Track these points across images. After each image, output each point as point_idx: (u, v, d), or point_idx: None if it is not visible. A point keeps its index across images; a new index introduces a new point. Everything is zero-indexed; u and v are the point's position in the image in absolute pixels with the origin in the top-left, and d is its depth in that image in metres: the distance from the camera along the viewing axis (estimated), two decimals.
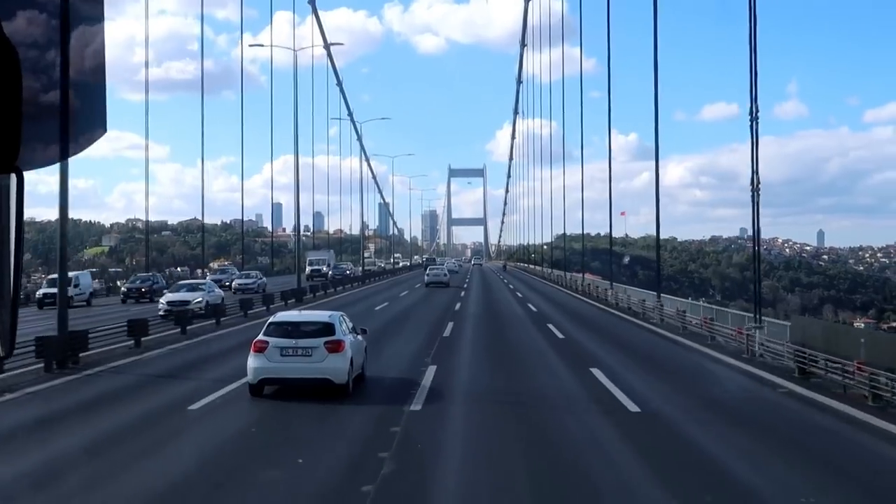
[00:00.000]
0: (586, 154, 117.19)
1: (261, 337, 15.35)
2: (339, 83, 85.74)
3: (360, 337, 17.05)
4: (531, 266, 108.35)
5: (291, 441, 11.93)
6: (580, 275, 63.60)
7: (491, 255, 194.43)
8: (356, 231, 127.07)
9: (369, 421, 13.31)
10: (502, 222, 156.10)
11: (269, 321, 16.07)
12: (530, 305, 42.00)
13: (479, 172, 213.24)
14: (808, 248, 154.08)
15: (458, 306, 40.29)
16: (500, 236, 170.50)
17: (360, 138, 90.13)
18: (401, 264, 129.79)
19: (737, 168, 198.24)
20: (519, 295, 53.41)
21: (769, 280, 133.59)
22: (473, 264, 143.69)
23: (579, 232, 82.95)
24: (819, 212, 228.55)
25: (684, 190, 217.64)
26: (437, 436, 12.23)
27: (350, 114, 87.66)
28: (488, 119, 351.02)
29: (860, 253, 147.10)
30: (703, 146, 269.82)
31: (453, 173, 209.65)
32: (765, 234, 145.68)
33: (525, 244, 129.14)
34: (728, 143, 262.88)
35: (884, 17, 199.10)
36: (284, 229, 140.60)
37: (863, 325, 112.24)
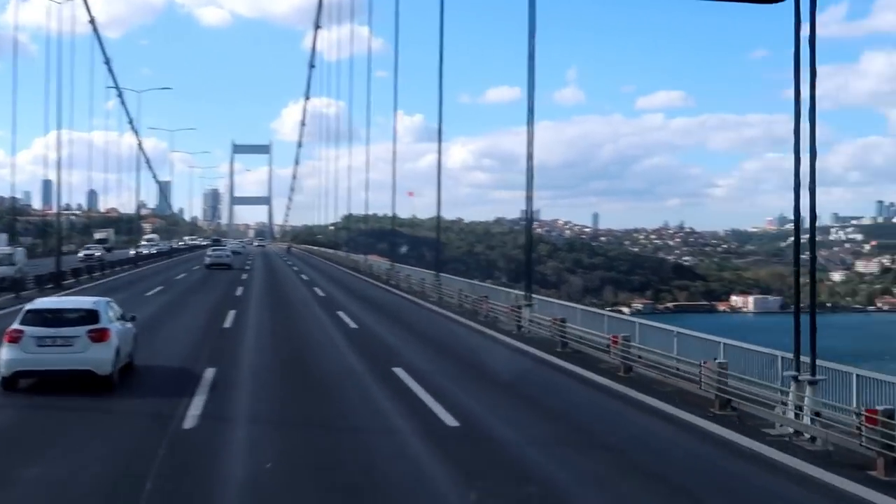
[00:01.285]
0: (372, 134, 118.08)
1: (15, 326, 14.52)
2: (106, 56, 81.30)
3: (129, 324, 16.54)
4: (317, 248, 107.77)
5: (49, 439, 11.31)
6: (364, 257, 64.99)
7: (275, 236, 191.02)
8: (132, 210, 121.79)
9: (135, 417, 12.79)
10: (289, 205, 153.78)
11: (25, 308, 15.19)
12: (317, 290, 42.08)
13: (265, 149, 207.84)
14: (587, 229, 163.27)
15: (239, 291, 39.61)
16: (285, 217, 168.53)
17: (128, 113, 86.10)
18: (191, 244, 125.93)
19: (518, 150, 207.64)
20: (304, 277, 53.37)
21: (553, 261, 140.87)
22: (257, 246, 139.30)
23: (368, 213, 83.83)
24: (593, 195, 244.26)
25: (468, 172, 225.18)
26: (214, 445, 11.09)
27: (116, 86, 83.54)
28: (274, 96, 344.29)
29: (635, 235, 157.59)
30: (486, 129, 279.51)
31: (237, 149, 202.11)
32: (545, 216, 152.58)
33: (310, 225, 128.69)
34: (510, 126, 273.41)
35: (654, 7, 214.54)
36: (51, 207, 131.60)
37: (641, 305, 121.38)
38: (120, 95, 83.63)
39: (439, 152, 37.95)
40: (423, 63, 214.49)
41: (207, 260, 61.02)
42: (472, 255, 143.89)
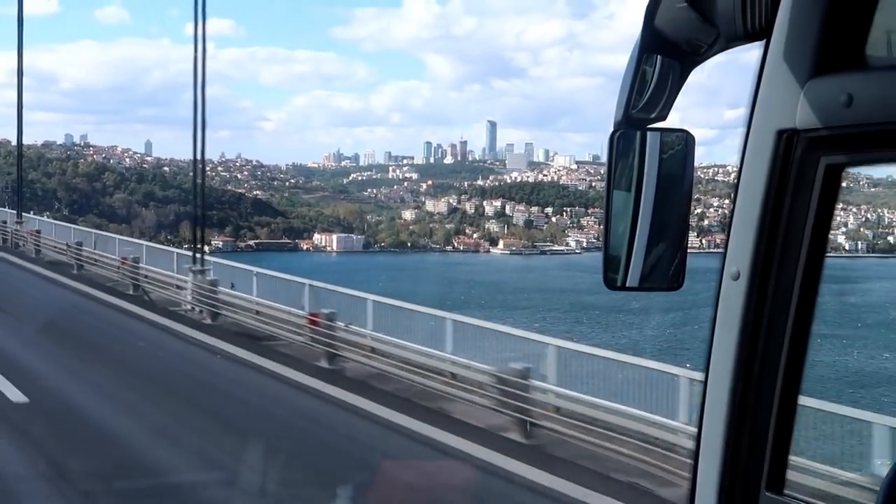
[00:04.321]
0: None
1: None
2: None
3: None
4: None
5: None
6: None
7: None
8: None
9: None
10: None
11: None
12: None
13: None
14: (148, 158, 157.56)
15: None
16: None
17: None
18: None
19: (57, 70, 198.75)
20: None
21: (121, 193, 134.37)
22: None
23: None
24: (143, 122, 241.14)
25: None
26: None
27: None
28: None
29: (220, 167, 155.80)
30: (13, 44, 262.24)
31: None
32: (96, 142, 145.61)
33: None
34: (46, 42, 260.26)
35: None
36: None
37: (221, 243, 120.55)
38: None
39: None
40: None
41: None
42: (27, 184, 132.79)
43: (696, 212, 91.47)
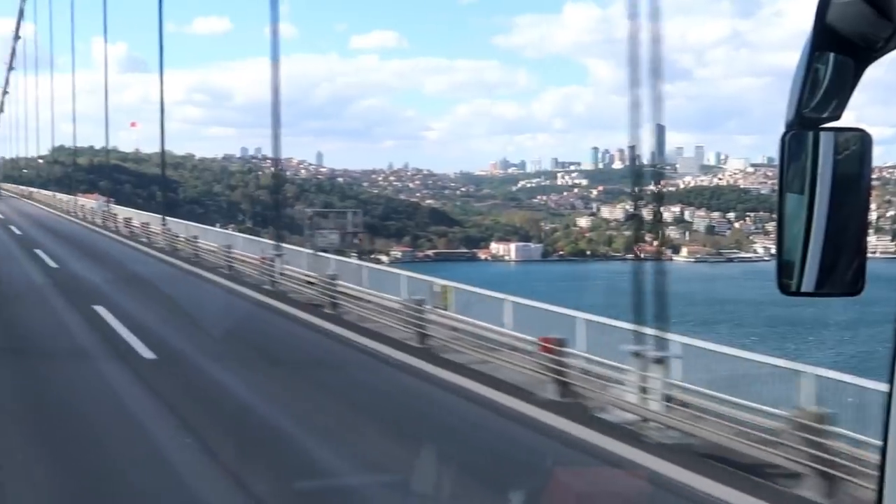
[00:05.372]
0: (69, 63, 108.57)
1: None
2: None
3: None
4: (33, 191, 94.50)
5: None
6: (85, 198, 61.54)
7: None
8: None
9: None
10: None
11: None
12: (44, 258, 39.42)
13: None
14: (322, 169, 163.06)
15: None
16: None
17: None
18: None
19: (232, 86, 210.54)
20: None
21: (301, 204, 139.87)
22: None
23: (84, 145, 79.41)
24: (311, 134, 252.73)
25: (179, 107, 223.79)
26: None
27: None
28: None
29: (373, 176, 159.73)
30: (195, 62, 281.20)
31: None
32: (273, 154, 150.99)
33: (16, 158, 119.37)
34: (221, 59, 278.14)
35: None
36: None
37: (400, 253, 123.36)
38: None
39: (161, 82, 38.30)
40: None
41: None
42: (212, 196, 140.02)
43: (888, 214, 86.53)
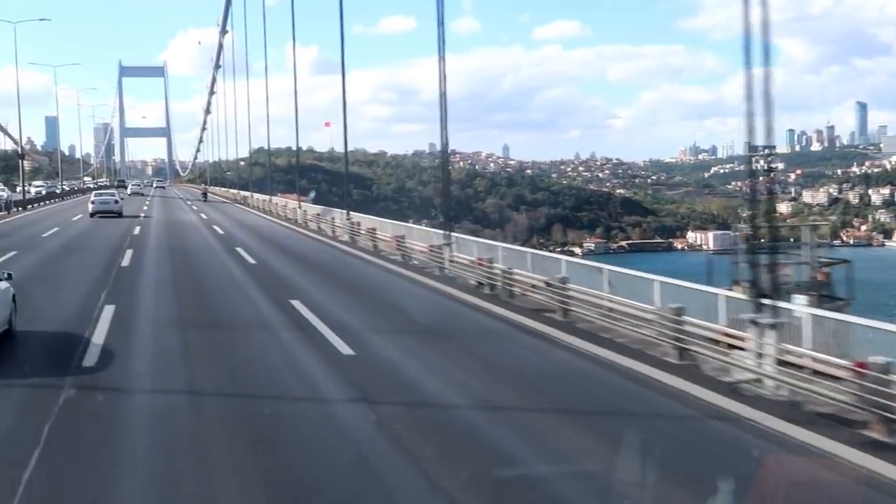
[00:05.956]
0: (262, 69, 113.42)
1: None
2: None
3: (3, 284, 14.27)
4: (237, 192, 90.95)
5: None
6: (283, 199, 64.51)
7: (180, 174, 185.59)
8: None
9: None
10: (201, 137, 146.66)
11: None
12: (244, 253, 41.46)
13: (159, 71, 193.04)
14: (511, 161, 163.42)
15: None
16: (195, 154, 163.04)
17: None
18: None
19: (418, 83, 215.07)
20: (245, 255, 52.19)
21: (492, 198, 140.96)
22: (156, 187, 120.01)
23: (281, 146, 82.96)
24: (497, 127, 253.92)
25: (367, 105, 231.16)
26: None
27: None
28: (160, 28, 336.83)
29: (561, 167, 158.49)
30: (382, 61, 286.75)
31: (126, 72, 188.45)
32: (459, 148, 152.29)
33: (219, 161, 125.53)
34: (407, 57, 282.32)
35: None
36: None
37: (593, 245, 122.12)
38: None
39: (343, 82, 41.37)
40: None
41: (92, 207, 58.38)
42: (405, 193, 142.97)
43: None
